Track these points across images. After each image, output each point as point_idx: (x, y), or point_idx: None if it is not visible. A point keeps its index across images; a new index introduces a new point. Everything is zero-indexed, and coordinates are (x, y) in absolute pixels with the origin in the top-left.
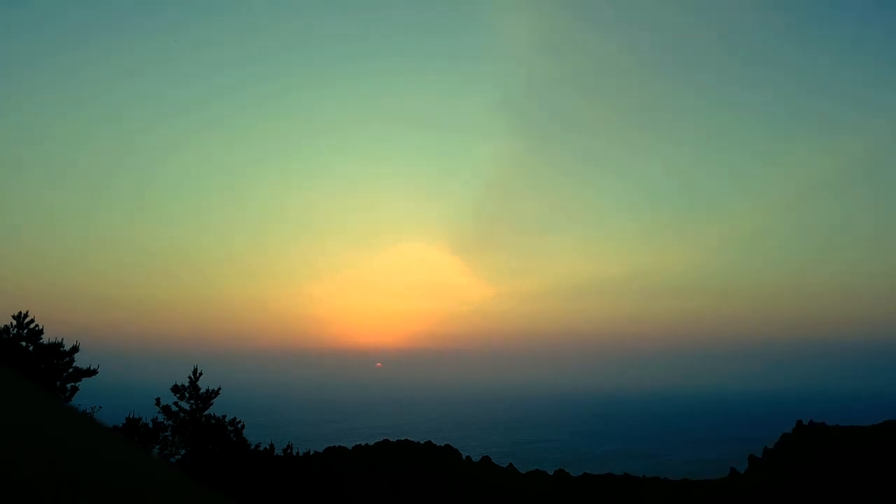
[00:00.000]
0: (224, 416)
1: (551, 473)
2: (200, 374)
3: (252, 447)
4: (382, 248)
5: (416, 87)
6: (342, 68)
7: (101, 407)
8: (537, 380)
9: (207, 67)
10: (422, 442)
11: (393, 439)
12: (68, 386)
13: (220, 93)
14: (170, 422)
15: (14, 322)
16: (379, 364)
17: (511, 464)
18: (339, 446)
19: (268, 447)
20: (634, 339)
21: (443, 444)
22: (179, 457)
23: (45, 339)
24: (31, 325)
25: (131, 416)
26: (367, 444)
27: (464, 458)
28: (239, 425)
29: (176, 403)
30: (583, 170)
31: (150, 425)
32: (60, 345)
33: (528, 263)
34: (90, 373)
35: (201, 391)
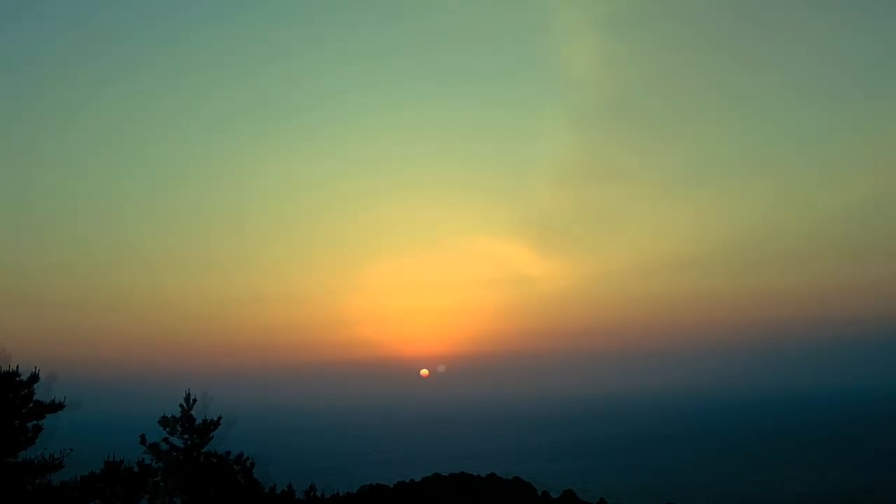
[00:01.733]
0: (228, 453)
1: None
2: (195, 400)
3: (266, 490)
4: (424, 242)
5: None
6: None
7: (72, 450)
8: (643, 384)
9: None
10: (483, 475)
11: (445, 472)
12: (29, 425)
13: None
14: (160, 463)
15: None
16: (425, 372)
17: (602, 499)
18: (377, 484)
19: (286, 489)
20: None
21: (510, 477)
22: None
23: None
24: None
25: (111, 459)
26: (412, 481)
27: (539, 493)
28: (248, 463)
29: (166, 440)
30: (673, 120)
31: (136, 469)
32: (16, 374)
33: (614, 239)
34: (56, 407)
35: (197, 422)
